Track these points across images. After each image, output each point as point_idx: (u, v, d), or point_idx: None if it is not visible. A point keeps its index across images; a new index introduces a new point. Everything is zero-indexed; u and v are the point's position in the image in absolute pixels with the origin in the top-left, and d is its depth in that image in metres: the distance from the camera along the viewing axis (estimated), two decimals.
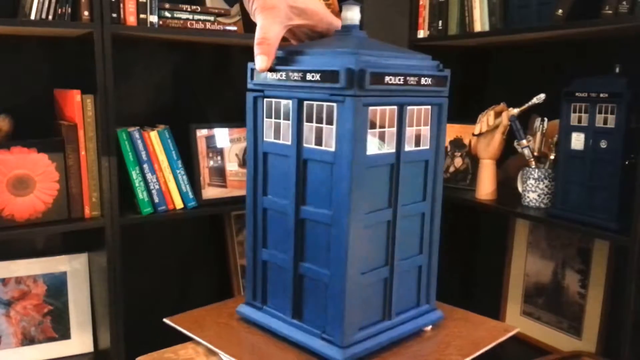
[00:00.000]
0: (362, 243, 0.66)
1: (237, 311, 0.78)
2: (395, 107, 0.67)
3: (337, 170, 0.64)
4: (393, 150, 0.68)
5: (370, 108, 0.64)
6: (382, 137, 0.66)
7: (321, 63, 0.65)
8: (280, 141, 0.70)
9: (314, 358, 0.68)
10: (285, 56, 0.70)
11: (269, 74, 0.69)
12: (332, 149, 0.64)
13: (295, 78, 0.66)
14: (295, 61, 0.68)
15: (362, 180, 0.64)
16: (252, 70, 0.71)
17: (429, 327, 0.77)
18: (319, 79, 0.64)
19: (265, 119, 0.72)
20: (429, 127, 0.72)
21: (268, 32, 0.68)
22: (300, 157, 0.68)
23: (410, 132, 0.70)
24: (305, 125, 0.67)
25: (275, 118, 0.70)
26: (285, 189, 0.70)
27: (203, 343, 0.73)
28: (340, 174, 0.64)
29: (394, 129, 0.68)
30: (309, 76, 0.65)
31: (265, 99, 0.71)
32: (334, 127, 0.64)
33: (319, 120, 0.65)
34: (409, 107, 0.69)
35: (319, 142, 0.66)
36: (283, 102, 0.69)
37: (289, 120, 0.68)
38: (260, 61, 0.68)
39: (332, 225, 0.65)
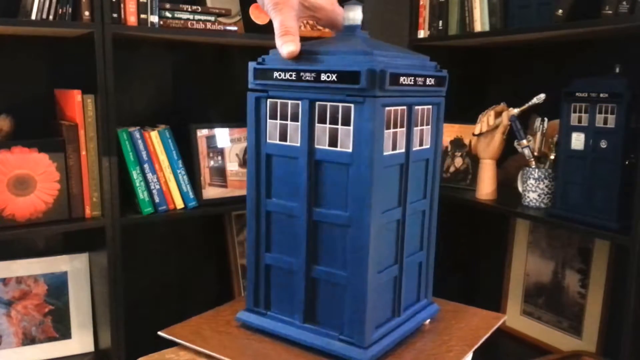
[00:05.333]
0: (378, 242, 0.66)
1: (238, 318, 0.76)
2: (405, 108, 0.68)
3: (355, 171, 0.64)
4: (403, 150, 0.69)
5: (386, 108, 0.64)
6: (395, 137, 0.67)
7: (337, 63, 0.64)
8: (287, 143, 0.69)
9: None
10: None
11: (276, 74, 0.67)
12: (349, 149, 0.64)
13: (308, 78, 0.65)
14: (304, 61, 0.67)
15: (379, 181, 0.64)
16: (256, 70, 0.69)
17: (428, 321, 0.79)
18: (336, 80, 0.63)
19: (269, 120, 0.70)
20: (430, 127, 0.73)
21: (290, 25, 0.69)
22: (312, 158, 0.67)
23: (416, 131, 0.70)
24: (318, 126, 0.66)
25: (281, 119, 0.69)
26: (294, 191, 0.69)
27: (209, 354, 0.70)
28: (360, 175, 0.64)
29: (404, 129, 0.68)
30: (323, 76, 0.64)
31: (269, 100, 0.70)
32: (351, 128, 0.64)
33: (334, 121, 0.65)
34: (415, 107, 0.70)
35: (333, 143, 0.65)
36: (291, 102, 0.68)
37: (297, 121, 0.67)
38: (289, 48, 0.67)
39: (349, 226, 0.65)
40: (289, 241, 0.70)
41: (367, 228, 0.64)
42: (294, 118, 0.68)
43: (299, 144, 0.68)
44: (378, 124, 0.63)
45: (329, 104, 0.65)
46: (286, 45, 0.67)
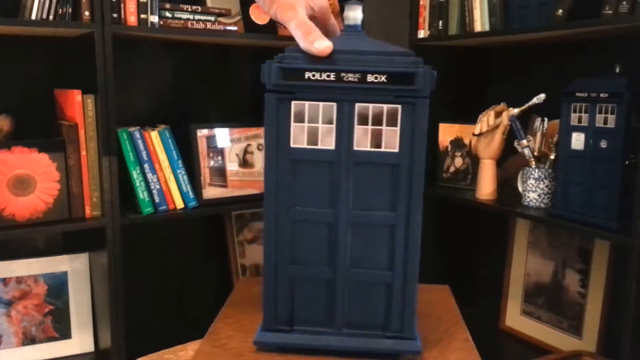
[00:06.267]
0: None
1: (258, 341, 0.69)
2: None
3: (405, 171, 0.64)
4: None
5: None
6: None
7: (383, 64, 0.62)
8: (319, 146, 0.65)
9: None
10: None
11: (308, 74, 0.63)
12: (395, 150, 0.64)
13: (351, 79, 0.62)
14: (341, 62, 0.63)
15: None
16: (281, 69, 0.63)
17: None
18: (385, 81, 0.62)
19: (293, 123, 0.65)
20: None
21: (309, 23, 0.67)
22: (351, 161, 0.65)
23: None
24: (357, 127, 0.64)
25: (309, 122, 0.65)
26: (327, 196, 0.66)
27: None
28: (412, 174, 0.64)
29: None
30: (370, 77, 0.62)
31: (294, 102, 0.64)
32: (397, 128, 0.63)
33: (377, 122, 0.64)
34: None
35: (375, 144, 0.64)
36: (323, 104, 0.64)
37: (331, 123, 0.64)
38: (324, 43, 0.63)
39: (396, 226, 0.65)
40: (321, 249, 0.67)
41: (419, 224, 0.64)
42: (327, 120, 0.64)
43: (333, 147, 0.65)
44: (426, 123, 0.63)
45: (371, 105, 0.63)
46: (318, 42, 0.63)
